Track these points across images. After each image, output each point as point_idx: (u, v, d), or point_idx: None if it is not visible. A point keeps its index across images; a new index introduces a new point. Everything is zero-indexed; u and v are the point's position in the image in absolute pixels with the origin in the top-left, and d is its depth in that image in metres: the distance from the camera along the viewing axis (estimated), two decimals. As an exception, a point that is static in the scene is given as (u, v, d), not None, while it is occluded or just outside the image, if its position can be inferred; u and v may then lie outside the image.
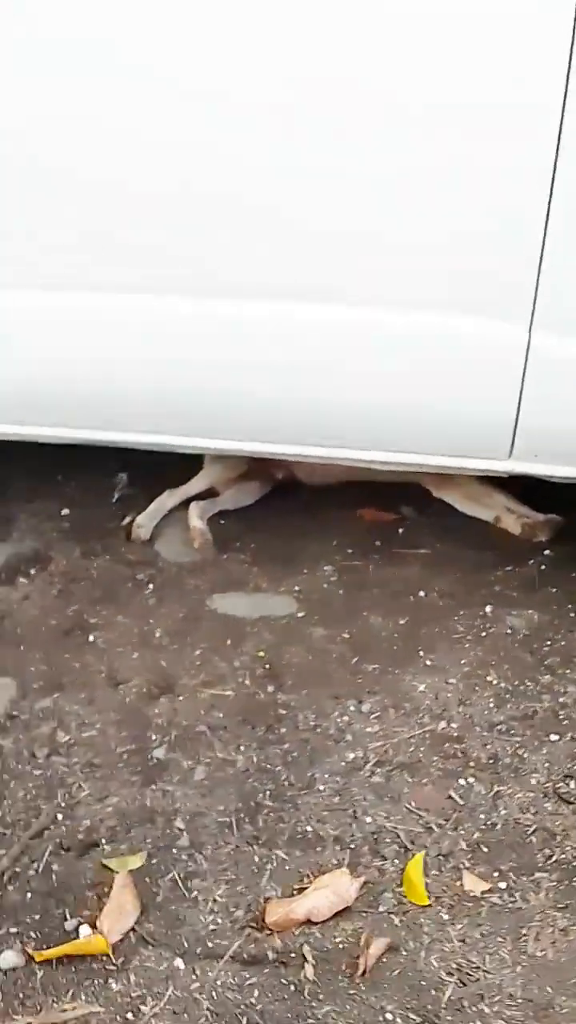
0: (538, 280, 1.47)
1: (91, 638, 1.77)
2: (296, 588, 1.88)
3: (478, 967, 1.12)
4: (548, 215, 1.42)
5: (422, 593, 1.85)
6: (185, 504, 2.15)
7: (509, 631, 1.72)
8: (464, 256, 1.49)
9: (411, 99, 1.40)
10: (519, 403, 1.59)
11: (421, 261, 1.52)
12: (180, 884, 1.26)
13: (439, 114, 1.40)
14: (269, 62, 1.42)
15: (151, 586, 1.92)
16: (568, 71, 1.31)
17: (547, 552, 1.95)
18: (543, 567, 1.90)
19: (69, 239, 1.62)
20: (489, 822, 1.32)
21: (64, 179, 1.57)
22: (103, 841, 1.33)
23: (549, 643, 1.68)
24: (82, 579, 1.95)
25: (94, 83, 1.49)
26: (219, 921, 1.21)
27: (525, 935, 1.16)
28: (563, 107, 1.33)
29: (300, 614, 1.81)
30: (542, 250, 1.44)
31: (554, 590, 1.83)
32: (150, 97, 1.48)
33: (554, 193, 1.40)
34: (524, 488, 2.03)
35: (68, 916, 1.22)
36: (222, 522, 2.14)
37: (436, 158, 1.43)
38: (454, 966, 1.13)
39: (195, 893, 1.25)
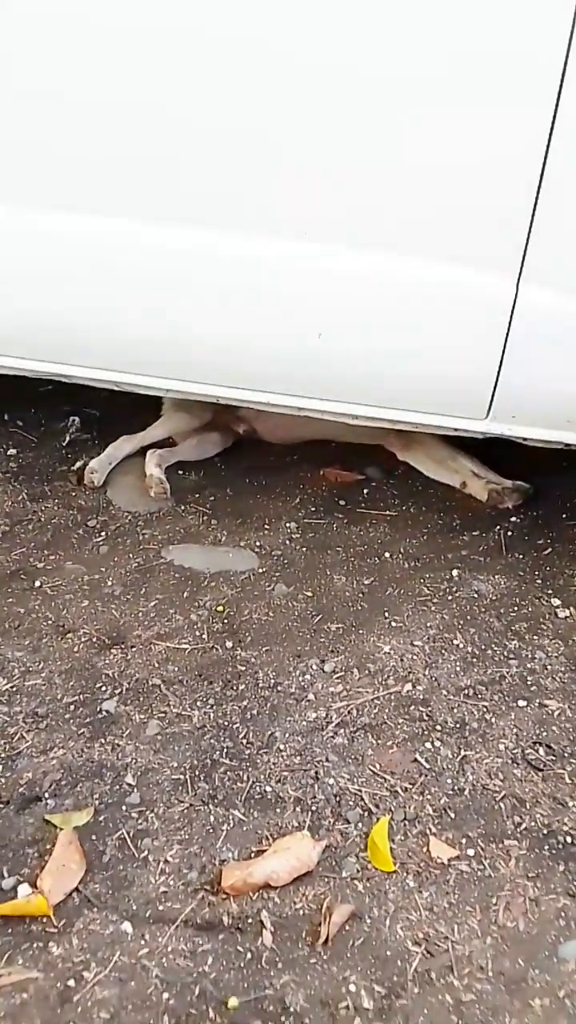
0: (531, 227, 1.39)
1: (37, 583, 1.65)
2: (257, 544, 1.80)
3: (446, 937, 1.07)
4: (545, 164, 1.34)
5: (387, 555, 1.78)
6: (141, 452, 2.04)
7: (476, 595, 1.66)
8: (452, 199, 1.41)
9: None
10: (501, 360, 1.52)
11: (406, 202, 1.43)
12: (129, 843, 1.17)
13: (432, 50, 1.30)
14: None
15: (103, 534, 1.81)
16: None
17: (513, 519, 1.91)
18: (510, 533, 1.86)
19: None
20: (456, 787, 1.27)
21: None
22: (46, 796, 1.23)
23: (516, 609, 1.63)
24: (29, 522, 1.83)
25: None
26: (171, 883, 1.13)
27: (495, 905, 1.11)
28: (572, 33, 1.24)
29: (261, 570, 1.72)
30: (537, 195, 1.37)
31: (521, 556, 1.78)
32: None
33: (555, 131, 1.31)
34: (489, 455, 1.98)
35: (5, 874, 1.12)
36: (180, 473, 2.04)
37: (426, 91, 1.33)
38: (421, 936, 1.07)
39: (145, 853, 1.16)
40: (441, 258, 1.46)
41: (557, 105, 1.30)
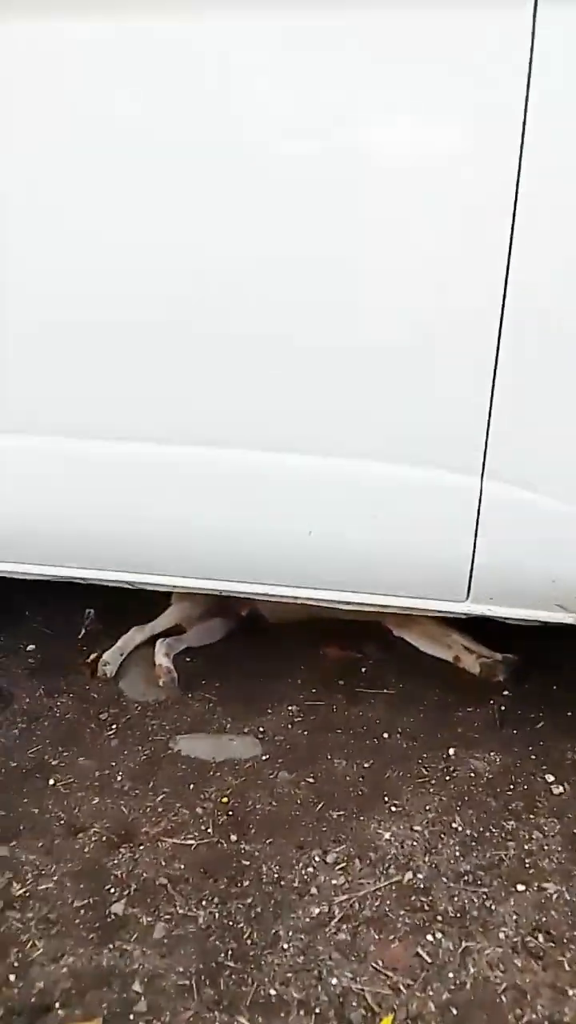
0: (487, 434, 1.56)
1: (51, 781, 1.73)
2: (260, 729, 1.88)
3: None
4: (495, 371, 1.52)
5: (386, 735, 1.85)
6: (151, 641, 2.17)
7: (473, 774, 1.72)
8: (418, 413, 1.58)
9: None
10: (474, 548, 1.65)
11: (377, 416, 1.60)
12: (136, 1056, 1.20)
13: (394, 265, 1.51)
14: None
15: (114, 727, 1.90)
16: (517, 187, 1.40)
17: (506, 692, 1.98)
18: (503, 708, 1.93)
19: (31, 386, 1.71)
20: (458, 981, 1.29)
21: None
22: (56, 1005, 1.26)
23: (512, 787, 1.68)
24: (45, 719, 1.93)
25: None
26: None
27: None
28: (511, 237, 1.42)
29: (264, 757, 1.79)
30: (490, 407, 1.54)
31: (515, 731, 1.85)
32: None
33: (502, 340, 1.47)
34: (482, 627, 2.08)
35: None
36: (187, 660, 2.15)
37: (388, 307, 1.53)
38: None
39: (152, 1066, 1.18)
40: (414, 464, 1.62)
41: (500, 334, 1.49)
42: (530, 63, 1.32)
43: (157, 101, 1.49)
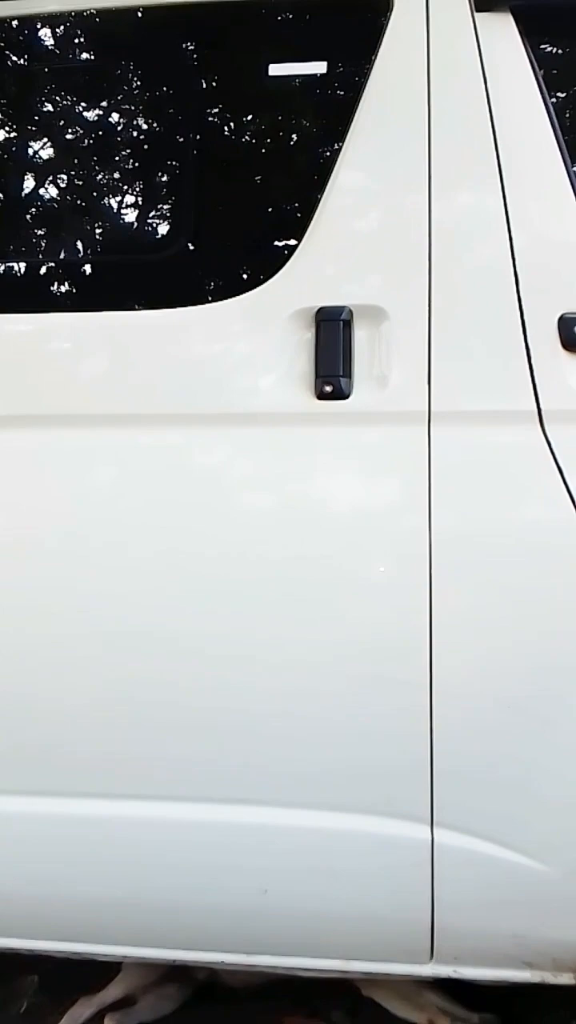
0: (432, 776, 1.56)
1: None
2: None
3: None
4: (432, 730, 1.55)
5: None
6: (100, 1014, 1.98)
7: None
8: (358, 759, 1.59)
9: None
10: (432, 906, 1.60)
11: (318, 765, 1.60)
12: None
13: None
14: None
15: None
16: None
17: (486, 1061, 1.80)
18: None
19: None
20: None
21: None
22: None
23: None
24: None
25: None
26: None
27: None
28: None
29: None
30: (432, 749, 1.56)
31: None
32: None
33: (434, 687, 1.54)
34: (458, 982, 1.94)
35: None
36: (137, 1038, 1.95)
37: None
38: None
39: None
40: (360, 812, 1.60)
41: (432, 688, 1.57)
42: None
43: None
